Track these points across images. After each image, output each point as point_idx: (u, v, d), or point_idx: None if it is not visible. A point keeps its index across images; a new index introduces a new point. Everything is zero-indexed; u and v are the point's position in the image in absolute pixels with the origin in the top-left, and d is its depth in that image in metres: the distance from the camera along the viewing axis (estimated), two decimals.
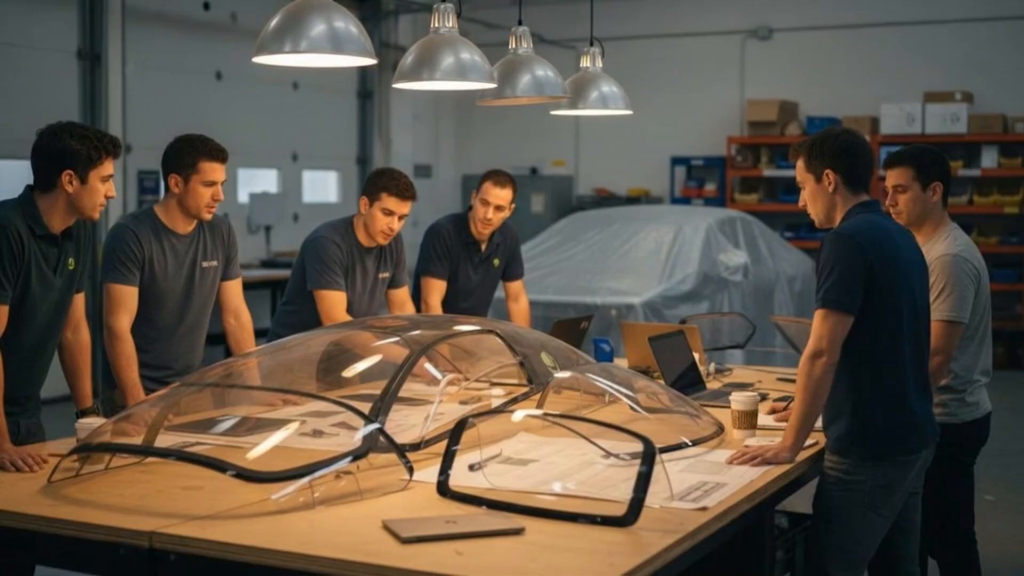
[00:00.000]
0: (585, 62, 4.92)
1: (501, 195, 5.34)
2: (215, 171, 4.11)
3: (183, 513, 2.84)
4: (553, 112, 4.28)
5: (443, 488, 3.02)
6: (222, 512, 2.85)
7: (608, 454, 3.34)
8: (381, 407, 3.29)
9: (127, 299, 4.06)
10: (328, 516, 2.84)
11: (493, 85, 3.93)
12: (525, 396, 3.92)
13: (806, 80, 13.22)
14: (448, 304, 5.35)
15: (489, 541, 2.65)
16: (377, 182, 4.79)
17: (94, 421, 3.40)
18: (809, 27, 13.21)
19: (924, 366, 3.60)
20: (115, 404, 4.04)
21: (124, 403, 3.97)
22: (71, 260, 3.70)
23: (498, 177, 5.37)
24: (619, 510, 2.80)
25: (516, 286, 5.68)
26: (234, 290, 4.38)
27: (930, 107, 12.23)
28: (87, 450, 3.16)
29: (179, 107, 10.57)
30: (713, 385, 4.82)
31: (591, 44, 4.93)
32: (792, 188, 13.27)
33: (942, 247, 4.06)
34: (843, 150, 3.61)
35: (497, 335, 3.96)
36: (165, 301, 4.17)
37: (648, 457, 2.79)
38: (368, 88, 13.24)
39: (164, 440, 3.40)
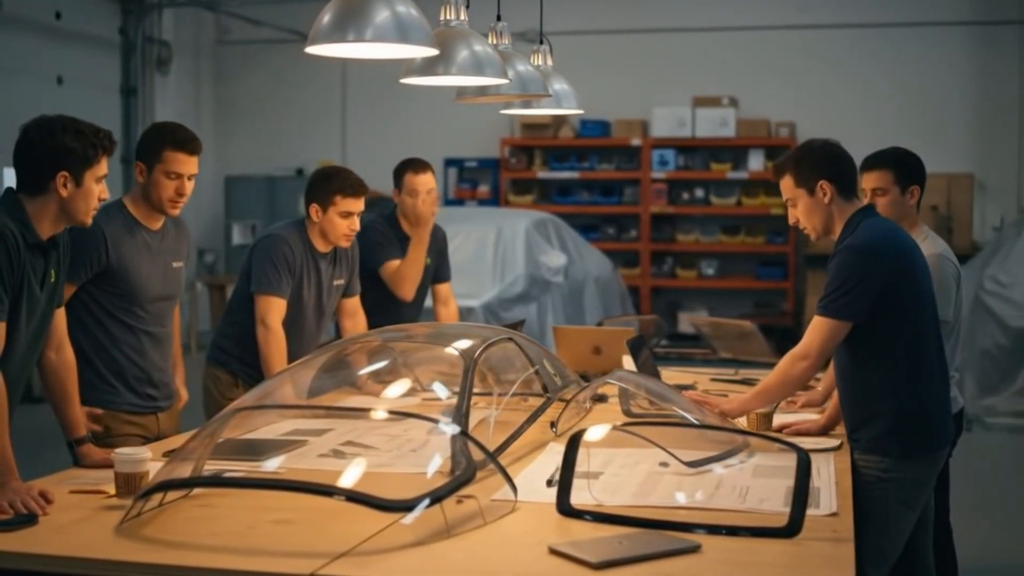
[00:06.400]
0: (536, 60, 4.78)
1: (425, 180, 5.15)
2: (181, 163, 3.78)
3: (313, 551, 2.55)
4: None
5: (565, 507, 2.85)
6: (360, 547, 2.58)
7: (681, 462, 3.26)
8: (460, 424, 3.08)
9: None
10: (476, 543, 2.63)
11: (507, 81, 3.76)
12: (544, 407, 3.76)
13: (577, 83, 13.33)
14: (383, 306, 5.07)
15: (677, 560, 2.51)
16: (326, 186, 4.50)
17: (134, 451, 3.03)
18: (577, 31, 13.42)
19: (945, 362, 3.69)
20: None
21: (106, 424, 3.58)
22: (53, 271, 3.27)
23: (414, 166, 5.18)
24: (769, 521, 2.73)
25: (445, 289, 5.48)
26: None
27: (699, 111, 12.69)
28: (178, 486, 2.82)
29: None
30: None
31: (540, 42, 4.80)
32: (566, 190, 13.54)
33: (926, 248, 4.15)
34: (834, 159, 3.63)
35: (515, 343, 3.79)
36: (143, 300, 3.80)
37: (804, 467, 2.72)
38: (131, 84, 12.53)
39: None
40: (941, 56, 12.42)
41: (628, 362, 4.41)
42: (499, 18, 4.24)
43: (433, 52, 3.21)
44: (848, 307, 3.43)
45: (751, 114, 12.73)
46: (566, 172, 13.22)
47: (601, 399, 4.33)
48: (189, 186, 3.84)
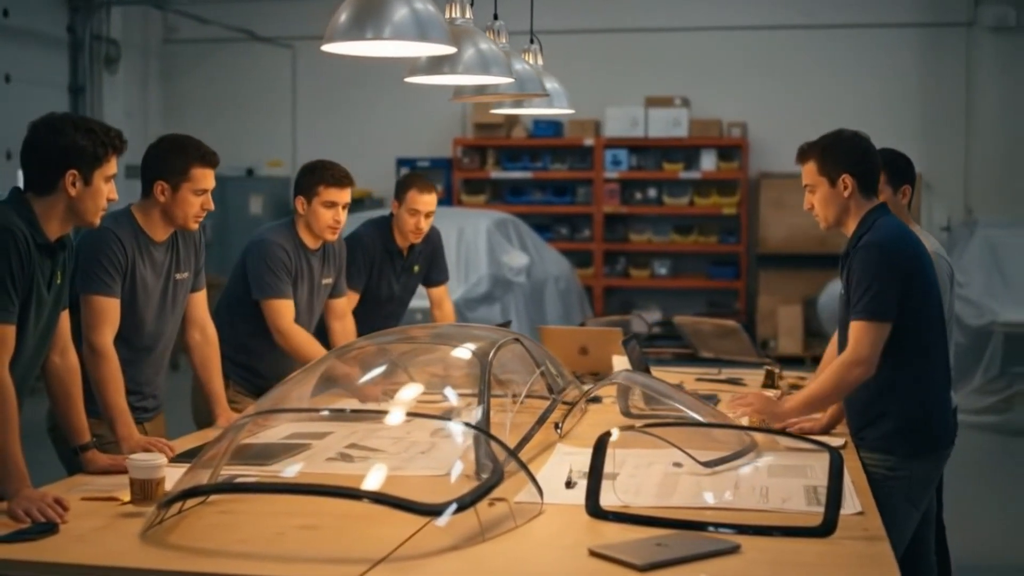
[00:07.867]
0: (527, 60, 4.76)
1: (429, 201, 5.08)
2: (207, 178, 3.70)
3: (348, 556, 2.51)
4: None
5: (594, 509, 2.83)
6: (397, 552, 2.54)
7: (697, 463, 3.25)
8: (484, 425, 3.05)
9: (111, 313, 3.58)
10: (512, 546, 2.60)
11: (511, 80, 3.73)
12: (552, 408, 3.74)
13: None
14: (367, 313, 5.00)
15: (719, 561, 2.50)
16: (310, 178, 4.44)
17: (150, 458, 2.96)
18: (529, 31, 13.41)
19: (949, 361, 3.72)
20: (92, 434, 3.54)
21: (112, 436, 3.49)
22: (59, 273, 3.19)
23: (421, 184, 5.11)
24: (800, 520, 2.74)
25: (440, 291, 5.44)
26: (200, 302, 3.95)
27: (652, 111, 12.71)
28: (207, 492, 2.77)
29: None
30: None
31: (531, 41, 4.78)
32: (519, 190, 13.51)
33: None
34: (860, 154, 3.63)
35: (521, 344, 3.76)
36: (144, 316, 3.71)
37: (837, 467, 2.73)
38: (80, 82, 12.32)
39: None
40: (889, 57, 12.56)
41: (622, 362, 4.41)
42: (496, 16, 4.20)
43: (451, 50, 3.17)
44: (886, 306, 3.44)
45: (703, 114, 12.78)
46: (519, 172, 13.19)
47: (595, 400, 4.31)
48: (211, 200, 3.75)
